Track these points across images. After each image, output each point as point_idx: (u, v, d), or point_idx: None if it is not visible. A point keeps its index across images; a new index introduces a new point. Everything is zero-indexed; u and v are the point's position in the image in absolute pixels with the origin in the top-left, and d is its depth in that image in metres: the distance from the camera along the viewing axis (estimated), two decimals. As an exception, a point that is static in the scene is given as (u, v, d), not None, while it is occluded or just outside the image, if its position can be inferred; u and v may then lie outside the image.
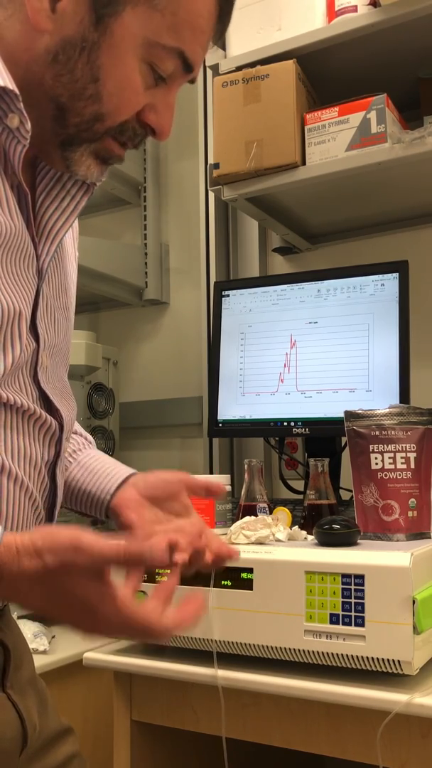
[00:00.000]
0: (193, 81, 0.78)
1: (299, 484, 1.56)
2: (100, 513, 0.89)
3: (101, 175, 0.76)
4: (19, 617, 1.28)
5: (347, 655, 0.88)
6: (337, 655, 0.89)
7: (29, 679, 0.83)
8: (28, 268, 0.73)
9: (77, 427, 0.99)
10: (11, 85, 0.66)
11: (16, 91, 0.66)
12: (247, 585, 0.94)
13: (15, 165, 0.70)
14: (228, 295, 1.58)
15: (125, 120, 0.72)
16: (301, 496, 1.43)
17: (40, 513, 0.78)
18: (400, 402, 1.34)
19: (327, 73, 1.47)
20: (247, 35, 1.47)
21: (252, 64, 1.44)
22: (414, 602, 0.84)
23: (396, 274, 1.41)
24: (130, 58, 0.70)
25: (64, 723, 0.88)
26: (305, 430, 1.44)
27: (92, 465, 0.91)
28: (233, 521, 1.10)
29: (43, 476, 0.77)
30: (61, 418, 0.78)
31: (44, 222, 0.76)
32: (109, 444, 1.86)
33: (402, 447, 1.05)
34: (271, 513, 1.17)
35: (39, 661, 1.16)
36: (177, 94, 0.77)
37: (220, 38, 0.78)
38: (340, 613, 0.88)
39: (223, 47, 1.53)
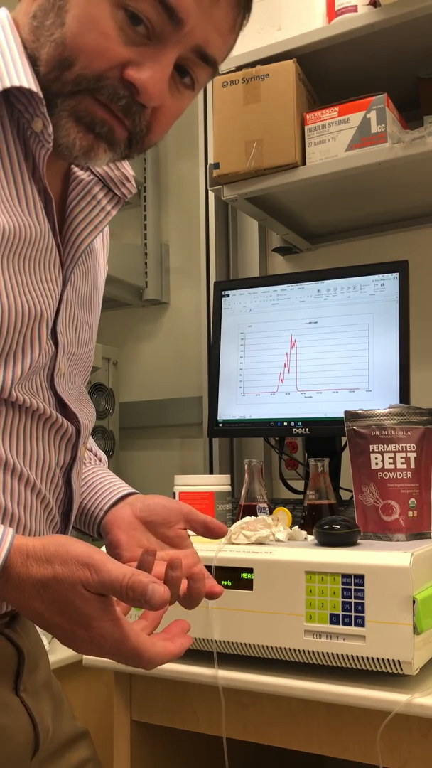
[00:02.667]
0: (206, 59, 0.70)
1: (299, 484, 1.56)
2: (93, 529, 0.87)
3: (92, 150, 0.69)
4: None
5: (347, 656, 0.88)
6: (337, 655, 0.88)
7: (44, 682, 0.82)
8: (53, 273, 0.73)
9: (92, 444, 0.98)
10: (36, 88, 0.66)
11: (41, 94, 0.66)
12: (247, 585, 0.94)
13: (41, 169, 0.70)
14: (228, 295, 1.58)
15: (101, 74, 0.66)
16: (301, 496, 1.43)
17: (54, 517, 0.77)
18: (400, 402, 1.34)
19: (327, 72, 1.47)
20: (247, 35, 1.45)
21: (252, 64, 1.44)
22: (414, 602, 0.84)
23: (396, 274, 1.41)
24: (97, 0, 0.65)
25: (79, 727, 0.87)
26: (305, 430, 1.44)
27: (94, 480, 0.90)
28: (233, 521, 1.10)
29: (57, 480, 0.76)
30: (78, 423, 0.78)
31: (71, 229, 0.76)
32: (109, 444, 1.86)
33: (402, 447, 1.05)
34: (271, 513, 1.17)
35: (39, 661, 1.16)
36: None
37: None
38: (340, 613, 0.88)
39: (223, 47, 1.53)
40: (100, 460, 0.97)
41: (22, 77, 0.65)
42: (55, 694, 0.84)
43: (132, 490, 0.89)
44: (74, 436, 0.78)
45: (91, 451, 0.97)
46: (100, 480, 0.90)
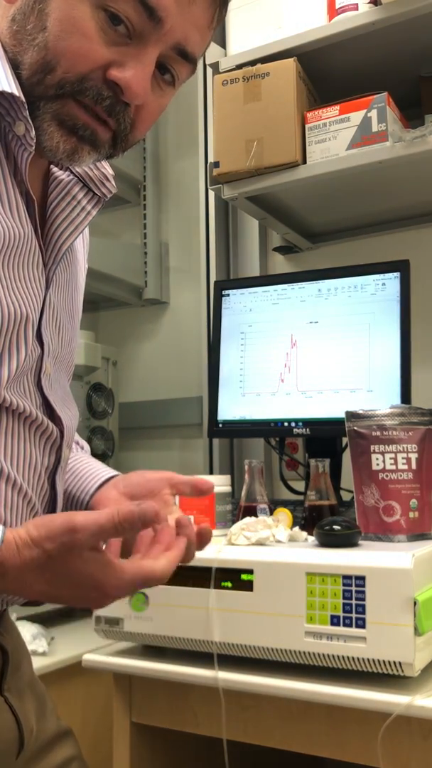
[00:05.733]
0: (186, 56, 0.71)
1: (300, 485, 1.55)
2: None
3: (76, 153, 0.69)
4: (18, 618, 1.28)
5: (348, 657, 0.87)
6: (338, 656, 0.88)
7: (28, 682, 0.83)
8: (36, 275, 0.73)
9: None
10: (18, 92, 0.66)
11: (23, 98, 0.66)
12: (248, 586, 0.94)
13: (23, 172, 0.70)
14: (228, 295, 1.57)
15: (84, 76, 0.67)
16: (301, 497, 1.43)
17: None
18: (402, 402, 1.34)
19: (328, 71, 1.46)
20: (248, 33, 1.47)
21: (252, 63, 1.44)
22: (415, 603, 0.84)
23: (397, 274, 1.40)
24: (78, 2, 0.66)
25: (63, 726, 0.88)
26: (306, 431, 1.43)
27: (77, 467, 0.90)
28: (233, 522, 1.10)
29: (42, 483, 0.77)
30: (62, 426, 0.78)
31: (53, 230, 0.77)
32: (108, 444, 1.85)
33: (403, 447, 1.04)
34: (271, 514, 1.17)
35: (38, 663, 1.16)
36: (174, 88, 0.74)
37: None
38: (341, 614, 0.88)
39: (224, 45, 1.52)
40: (82, 448, 0.98)
41: (3, 81, 0.66)
42: (39, 694, 0.85)
43: (115, 472, 0.89)
44: (58, 439, 0.78)
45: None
46: (83, 466, 0.90)
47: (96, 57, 0.67)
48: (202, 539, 0.76)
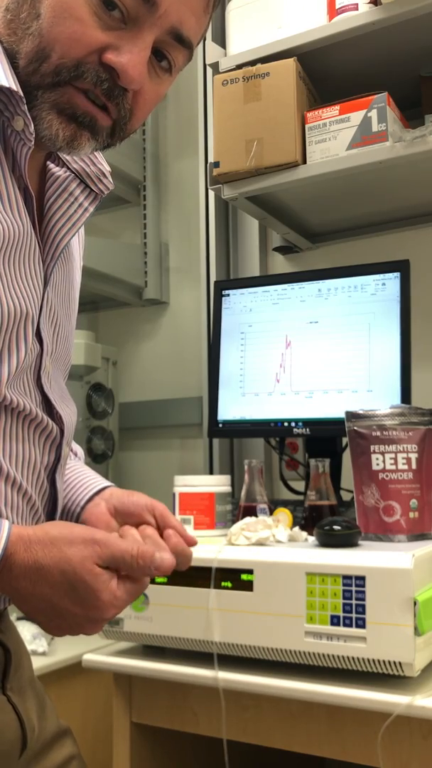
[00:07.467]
0: (182, 40, 0.70)
1: (300, 485, 1.55)
2: None
3: (76, 140, 0.69)
4: (18, 618, 1.28)
5: (348, 657, 0.87)
6: (338, 656, 0.88)
7: (28, 680, 0.83)
8: (36, 272, 0.73)
9: None
10: (16, 86, 0.66)
11: (21, 93, 0.66)
12: (248, 586, 0.94)
13: (22, 167, 0.70)
14: (228, 295, 1.57)
15: (80, 61, 0.66)
16: (301, 497, 1.43)
17: (40, 518, 0.78)
18: (402, 402, 1.34)
19: (328, 71, 1.46)
20: (248, 33, 1.47)
21: (252, 63, 1.43)
22: (415, 604, 0.84)
23: (397, 274, 1.40)
24: None
25: (62, 725, 0.88)
26: (306, 431, 1.43)
27: (69, 477, 0.89)
28: (233, 522, 1.10)
29: (42, 481, 0.77)
30: (62, 423, 0.78)
31: (50, 227, 0.76)
32: (108, 445, 1.85)
33: (403, 447, 1.04)
34: (271, 514, 1.17)
35: (38, 663, 1.16)
36: (173, 84, 0.74)
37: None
38: (341, 614, 0.88)
39: (224, 45, 1.52)
40: (75, 454, 0.97)
41: (1, 75, 0.65)
42: (39, 693, 0.85)
43: (107, 483, 0.88)
44: (58, 437, 0.78)
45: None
46: (75, 476, 0.89)
47: (91, 41, 0.66)
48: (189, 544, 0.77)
